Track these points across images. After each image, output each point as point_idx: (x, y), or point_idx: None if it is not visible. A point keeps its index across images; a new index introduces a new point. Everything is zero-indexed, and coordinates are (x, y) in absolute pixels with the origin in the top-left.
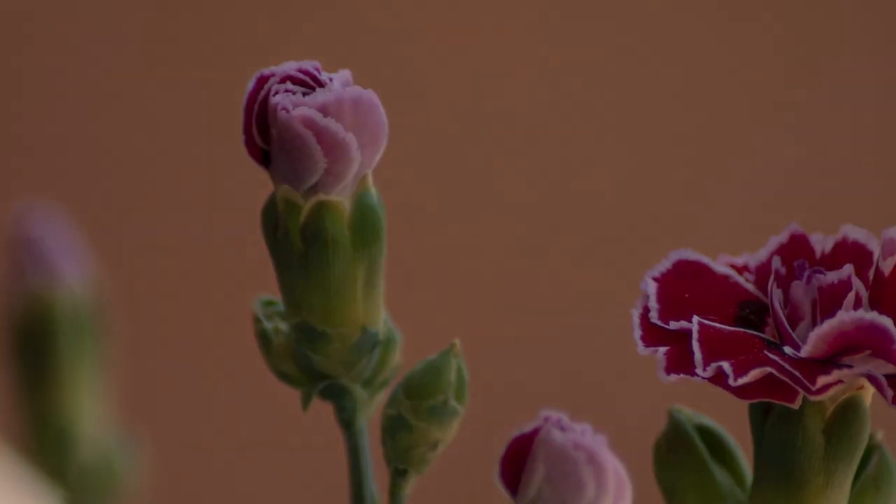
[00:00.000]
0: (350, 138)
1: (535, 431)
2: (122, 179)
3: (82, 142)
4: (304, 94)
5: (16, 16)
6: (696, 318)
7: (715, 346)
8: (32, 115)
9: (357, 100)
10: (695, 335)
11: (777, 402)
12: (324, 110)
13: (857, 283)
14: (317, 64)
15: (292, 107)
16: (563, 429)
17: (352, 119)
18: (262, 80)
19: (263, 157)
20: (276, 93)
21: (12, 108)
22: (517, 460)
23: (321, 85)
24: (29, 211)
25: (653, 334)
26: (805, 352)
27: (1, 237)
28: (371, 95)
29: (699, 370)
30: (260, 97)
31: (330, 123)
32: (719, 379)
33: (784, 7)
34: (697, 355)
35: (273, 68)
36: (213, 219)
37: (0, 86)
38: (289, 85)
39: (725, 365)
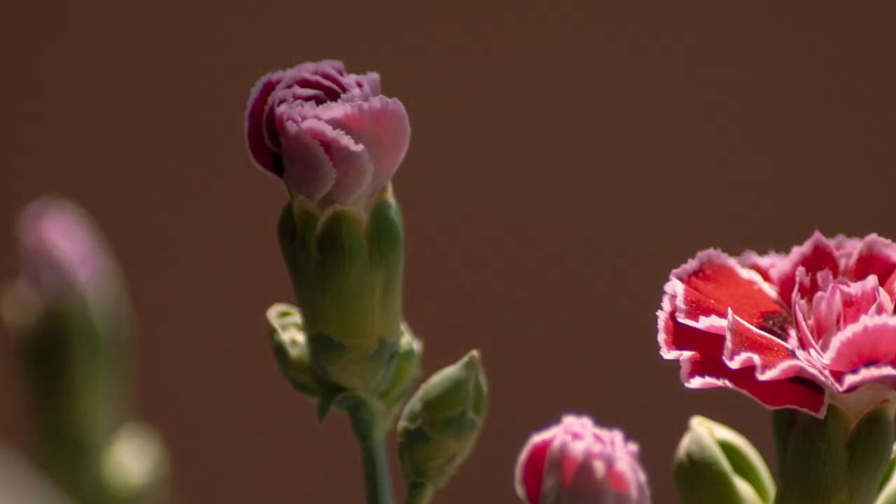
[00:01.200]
0: (362, 151)
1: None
2: (140, 183)
3: (100, 142)
4: (319, 102)
5: (33, 19)
6: (730, 310)
7: (745, 340)
8: (49, 115)
9: (378, 112)
10: (729, 323)
11: (802, 408)
12: (336, 123)
13: (882, 294)
14: (339, 65)
15: (301, 119)
16: (580, 437)
17: (371, 130)
18: (269, 87)
19: (275, 163)
20: (284, 100)
21: (29, 108)
22: (537, 467)
23: (343, 89)
24: (42, 213)
25: (677, 337)
26: (828, 358)
27: (13, 241)
28: (395, 106)
29: (727, 359)
30: (268, 104)
31: (340, 136)
32: (746, 375)
33: (809, 13)
34: (728, 344)
35: (281, 73)
36: (229, 226)
37: (14, 85)
38: (298, 90)
39: (755, 357)
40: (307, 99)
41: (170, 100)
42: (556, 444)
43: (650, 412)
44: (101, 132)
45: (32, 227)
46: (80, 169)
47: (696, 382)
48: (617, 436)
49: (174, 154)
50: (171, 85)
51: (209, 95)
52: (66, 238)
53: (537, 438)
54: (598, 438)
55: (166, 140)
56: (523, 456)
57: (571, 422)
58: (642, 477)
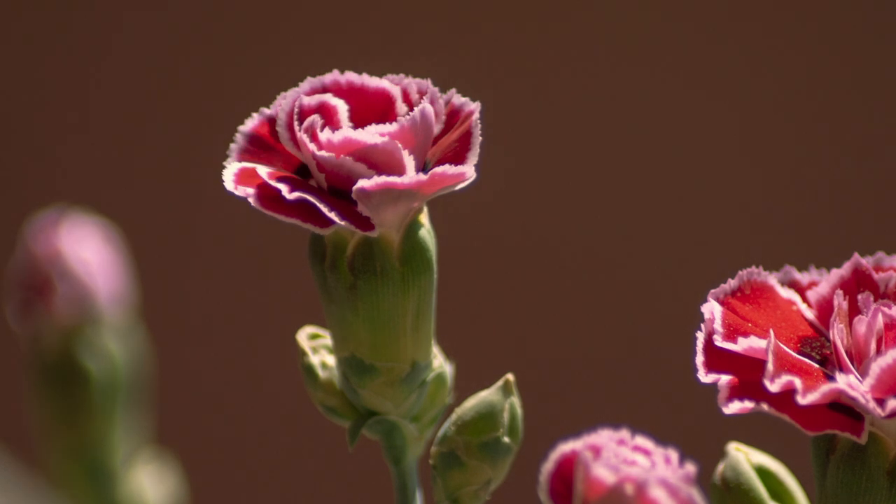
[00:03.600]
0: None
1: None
2: (165, 192)
3: (122, 150)
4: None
5: (53, 26)
6: (772, 331)
7: (785, 364)
8: (72, 116)
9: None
10: (771, 346)
11: (843, 433)
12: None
13: None
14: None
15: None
16: (598, 451)
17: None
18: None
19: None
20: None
21: (49, 108)
22: (566, 478)
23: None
24: (58, 221)
25: (715, 360)
26: (867, 385)
27: (24, 251)
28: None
29: (768, 381)
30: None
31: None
32: (786, 399)
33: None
34: (770, 366)
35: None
36: (257, 245)
37: (31, 88)
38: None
39: (796, 380)
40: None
41: (201, 114)
42: (579, 459)
43: (686, 435)
44: (122, 131)
45: (47, 238)
46: (102, 172)
47: (734, 407)
48: (672, 455)
49: (199, 166)
50: (201, 100)
51: (237, 110)
52: (84, 250)
53: (564, 449)
54: (641, 451)
55: (194, 151)
56: (550, 466)
57: (612, 432)
58: (699, 500)
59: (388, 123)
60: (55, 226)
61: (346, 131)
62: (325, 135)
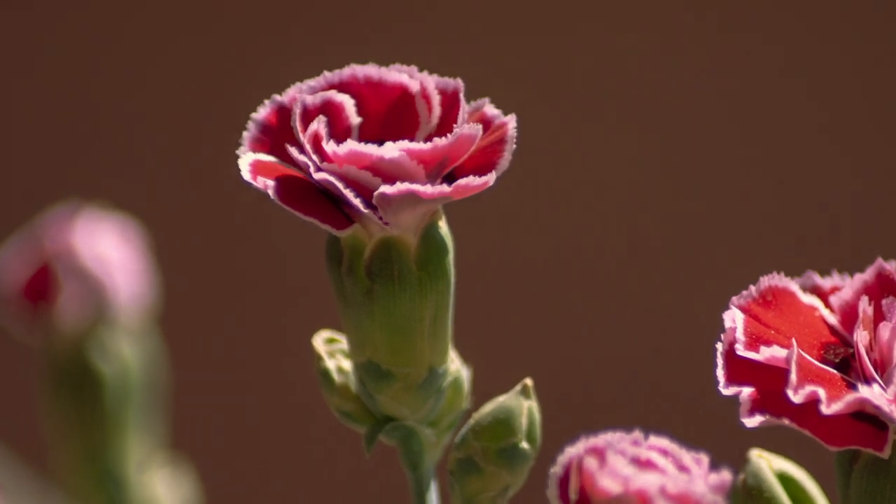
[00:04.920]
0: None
1: (590, 451)
2: (177, 190)
3: (140, 146)
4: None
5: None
6: (794, 341)
7: (808, 374)
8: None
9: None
10: (794, 357)
11: (865, 448)
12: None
13: None
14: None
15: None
16: (602, 454)
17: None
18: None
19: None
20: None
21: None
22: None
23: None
24: (72, 216)
25: (736, 371)
26: (892, 393)
27: (39, 248)
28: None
29: (791, 392)
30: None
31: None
32: (808, 413)
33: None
34: (793, 377)
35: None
36: (274, 247)
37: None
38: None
39: (820, 390)
40: None
41: (216, 109)
42: (583, 464)
43: (707, 442)
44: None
45: (59, 234)
46: (120, 169)
47: (755, 420)
48: (703, 460)
49: (216, 163)
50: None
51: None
52: (100, 246)
53: (573, 453)
54: (666, 456)
55: (210, 147)
56: (558, 471)
57: (621, 435)
58: None
59: (417, 140)
60: (68, 221)
61: (353, 144)
62: (329, 147)
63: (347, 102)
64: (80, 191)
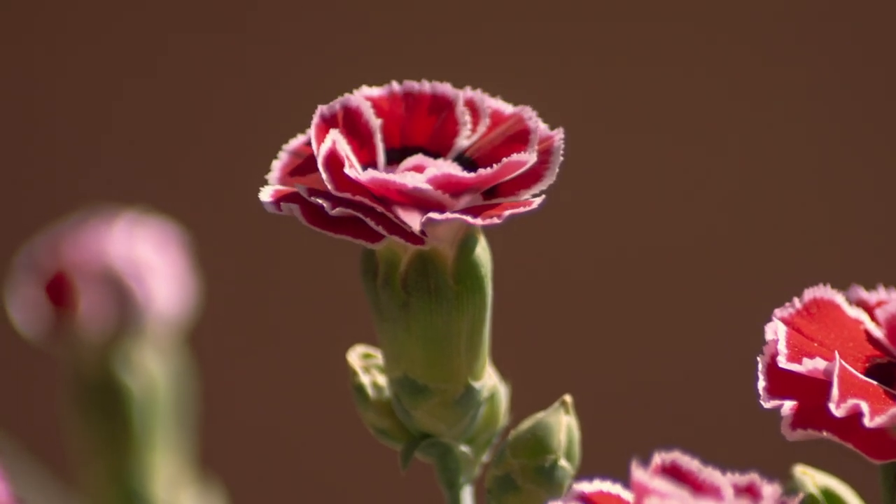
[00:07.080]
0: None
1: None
2: (208, 203)
3: (171, 158)
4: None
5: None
6: (837, 354)
7: (850, 387)
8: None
9: None
10: (836, 369)
11: None
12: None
13: None
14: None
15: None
16: (674, 474)
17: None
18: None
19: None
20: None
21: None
22: None
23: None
24: (104, 221)
25: (778, 384)
26: None
27: (67, 253)
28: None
29: (833, 406)
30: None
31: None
32: (851, 426)
33: None
34: (834, 390)
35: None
36: (307, 261)
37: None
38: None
39: (863, 404)
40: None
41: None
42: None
43: (750, 458)
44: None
45: (94, 239)
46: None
47: (798, 434)
48: (777, 491)
49: (249, 179)
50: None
51: (297, 123)
52: (137, 252)
53: (585, 489)
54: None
55: (245, 162)
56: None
57: (667, 457)
58: None
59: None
60: (104, 225)
61: (374, 173)
62: (352, 172)
63: (364, 105)
64: (117, 196)
